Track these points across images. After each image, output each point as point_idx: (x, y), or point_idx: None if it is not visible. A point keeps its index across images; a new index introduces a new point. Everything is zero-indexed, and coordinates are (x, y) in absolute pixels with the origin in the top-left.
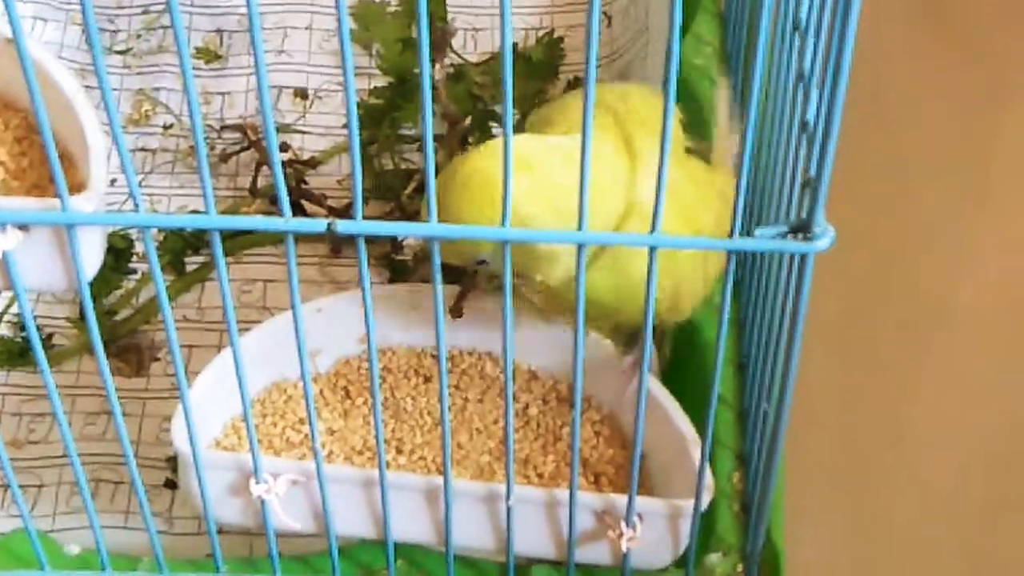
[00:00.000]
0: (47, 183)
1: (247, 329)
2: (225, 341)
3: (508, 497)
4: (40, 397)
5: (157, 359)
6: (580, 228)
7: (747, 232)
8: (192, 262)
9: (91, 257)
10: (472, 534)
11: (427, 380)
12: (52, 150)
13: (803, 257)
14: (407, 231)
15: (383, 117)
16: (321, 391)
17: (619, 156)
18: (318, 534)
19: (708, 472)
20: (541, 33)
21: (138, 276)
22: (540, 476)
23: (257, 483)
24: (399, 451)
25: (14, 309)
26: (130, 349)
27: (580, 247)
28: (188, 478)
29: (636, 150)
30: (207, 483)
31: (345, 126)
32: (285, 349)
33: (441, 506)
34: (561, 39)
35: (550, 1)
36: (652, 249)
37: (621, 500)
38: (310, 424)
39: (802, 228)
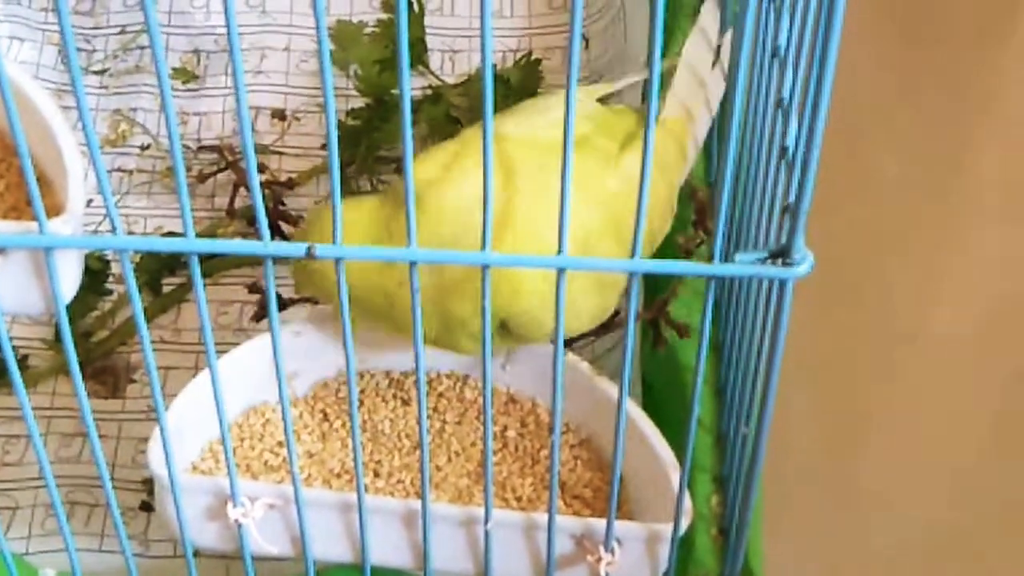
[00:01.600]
0: (24, 206)
1: (224, 351)
2: (202, 363)
3: (487, 521)
4: (14, 419)
5: (133, 381)
6: (560, 251)
7: (727, 258)
8: (168, 283)
9: (69, 280)
10: (450, 558)
11: (405, 403)
12: (30, 173)
13: (782, 283)
14: (387, 256)
15: (361, 138)
16: (300, 414)
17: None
18: (295, 558)
19: (687, 496)
20: (519, 55)
21: (114, 297)
22: (519, 499)
23: (234, 507)
24: (377, 474)
25: None
26: (106, 371)
27: (560, 271)
28: (165, 502)
29: (519, 158)
30: (184, 507)
31: (323, 147)
32: (263, 372)
33: (419, 530)
34: (539, 61)
35: (528, 23)
36: (632, 275)
37: (600, 524)
38: (288, 447)
39: (782, 254)
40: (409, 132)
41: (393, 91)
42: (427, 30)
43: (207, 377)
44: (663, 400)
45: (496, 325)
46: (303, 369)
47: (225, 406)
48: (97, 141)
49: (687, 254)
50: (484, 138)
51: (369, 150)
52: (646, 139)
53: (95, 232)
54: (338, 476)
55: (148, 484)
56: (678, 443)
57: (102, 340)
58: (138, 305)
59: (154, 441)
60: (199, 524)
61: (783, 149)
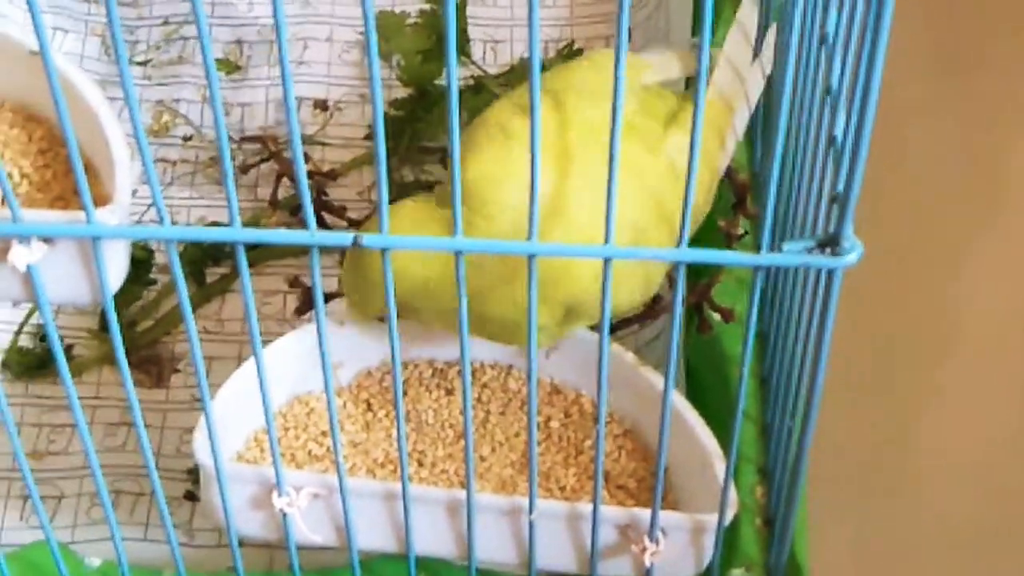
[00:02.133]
0: (71, 195)
1: (267, 341)
2: (245, 353)
3: (531, 511)
4: (60, 408)
5: (177, 371)
6: (607, 241)
7: (775, 246)
8: (212, 273)
9: (115, 270)
10: (494, 548)
11: (449, 393)
12: (77, 162)
13: (831, 272)
14: (433, 245)
15: (404, 129)
16: (344, 404)
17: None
18: (340, 548)
19: (732, 486)
20: (561, 45)
21: (158, 287)
22: (562, 489)
23: (279, 496)
24: (421, 464)
25: (34, 320)
26: (150, 360)
27: (607, 261)
28: (210, 491)
29: (568, 143)
30: (229, 496)
31: (366, 138)
32: (307, 362)
33: (463, 520)
34: (581, 51)
35: (570, 13)
36: (677, 265)
37: (644, 514)
38: (333, 437)
39: (830, 243)
40: (456, 124)
41: (436, 81)
42: (469, 20)
43: (252, 367)
44: (707, 390)
45: (561, 313)
46: (347, 359)
47: (270, 396)
48: (144, 132)
49: (728, 238)
50: (532, 130)
51: (412, 140)
52: (694, 126)
53: (139, 222)
54: (382, 466)
55: (192, 474)
56: (722, 433)
57: (146, 330)
58: (184, 295)
59: (200, 430)
60: (244, 513)
61: (831, 137)
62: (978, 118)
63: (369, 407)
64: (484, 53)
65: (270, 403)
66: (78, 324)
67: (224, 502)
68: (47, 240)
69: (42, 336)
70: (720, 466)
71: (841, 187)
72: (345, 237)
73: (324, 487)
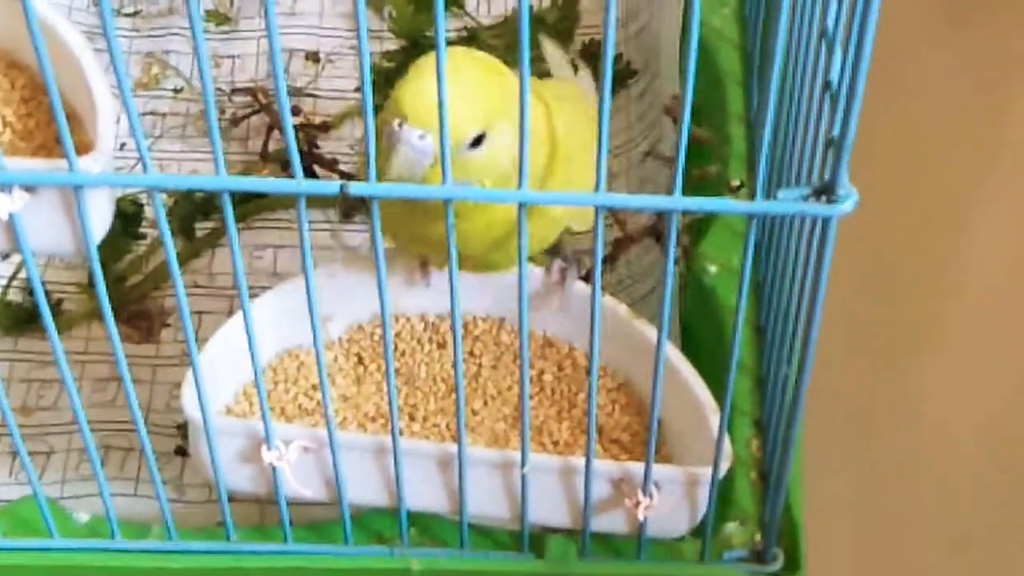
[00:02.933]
0: (54, 144)
1: (256, 295)
2: (236, 308)
3: (523, 464)
4: (49, 363)
5: (167, 325)
6: (597, 189)
7: (769, 194)
8: (202, 228)
9: (99, 220)
10: (486, 502)
11: (441, 346)
12: (59, 109)
13: (826, 220)
14: (421, 194)
15: (395, 81)
16: (335, 358)
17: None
18: (330, 502)
19: (726, 439)
20: None
21: (148, 242)
22: (556, 443)
23: (269, 450)
24: (412, 418)
25: (23, 274)
26: (139, 315)
27: (597, 210)
28: (199, 445)
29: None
30: (218, 450)
31: (357, 90)
32: (297, 315)
33: (455, 474)
34: (576, 1)
35: None
36: (671, 213)
37: (638, 468)
38: (322, 390)
39: (825, 190)
40: (444, 71)
41: (427, 33)
42: None
43: (240, 320)
44: (702, 342)
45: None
46: (338, 312)
47: (259, 349)
48: (129, 83)
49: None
50: (522, 83)
51: None
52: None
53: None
54: (373, 420)
55: (182, 429)
56: (718, 386)
57: (136, 284)
58: (170, 246)
59: (187, 384)
60: (233, 467)
61: (827, 82)
62: (982, 64)
63: (360, 361)
64: (478, 4)
65: (258, 356)
66: (67, 279)
67: (212, 456)
68: (29, 189)
69: (31, 290)
70: (715, 419)
71: (837, 132)
72: (332, 186)
73: (314, 441)
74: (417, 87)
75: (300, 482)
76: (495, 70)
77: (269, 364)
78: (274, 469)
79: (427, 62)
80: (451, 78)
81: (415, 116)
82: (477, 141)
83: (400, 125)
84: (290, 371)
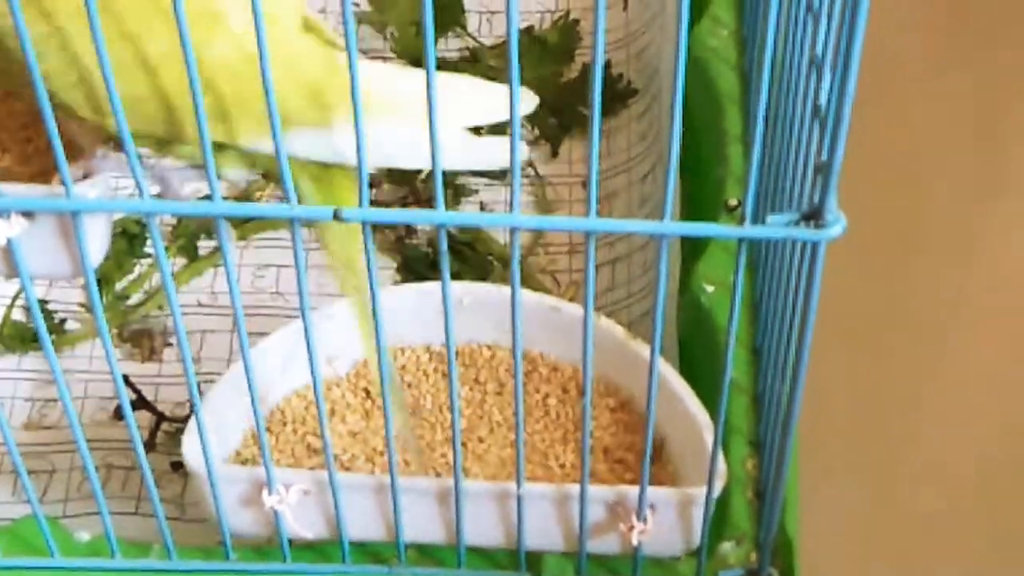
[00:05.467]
0: (53, 170)
1: (258, 314)
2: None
3: (519, 486)
4: (51, 382)
5: (170, 344)
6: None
7: (759, 219)
8: (205, 246)
9: (96, 244)
10: (485, 533)
11: (445, 377)
12: (55, 135)
13: (815, 244)
14: (414, 219)
15: None
16: (342, 394)
17: None
18: (331, 540)
19: (721, 458)
20: (557, 16)
21: (151, 260)
22: (562, 467)
23: (270, 494)
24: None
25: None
26: (142, 334)
27: (588, 235)
28: (200, 492)
29: None
30: (223, 501)
31: None
32: (303, 354)
33: (453, 506)
34: (577, 21)
35: None
36: (661, 238)
37: (632, 492)
38: (322, 434)
39: (814, 215)
40: (435, 93)
41: None
42: None
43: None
44: (699, 362)
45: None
46: (341, 351)
47: (266, 391)
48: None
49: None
50: (511, 105)
51: None
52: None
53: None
54: (381, 454)
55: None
56: (715, 405)
57: (138, 303)
58: (167, 271)
59: (189, 433)
60: (234, 511)
61: (816, 107)
62: (980, 86)
63: (368, 395)
64: (480, 25)
65: (258, 401)
66: (71, 297)
67: (217, 506)
68: (27, 214)
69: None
70: (710, 438)
71: (825, 157)
72: (326, 211)
73: (315, 484)
74: None
75: (301, 524)
76: None
77: (277, 406)
78: (276, 512)
79: None
80: None
81: None
82: None
83: None
84: (298, 411)
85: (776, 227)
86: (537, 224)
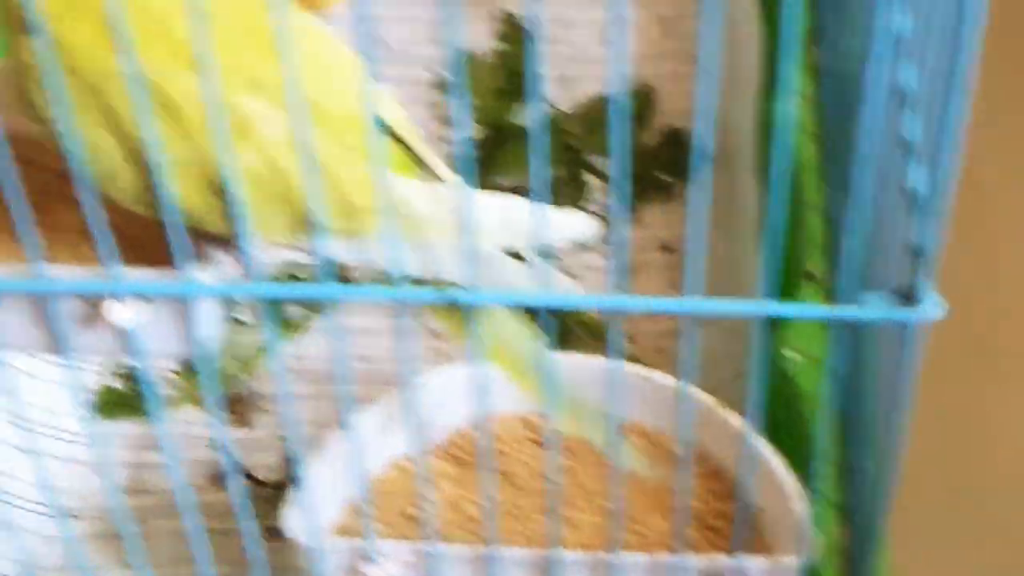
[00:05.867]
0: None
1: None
2: (322, 391)
3: (614, 553)
4: (147, 448)
5: (264, 410)
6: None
7: (851, 299)
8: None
9: (211, 325)
10: None
11: (539, 445)
12: (173, 220)
13: (910, 327)
14: (524, 301)
15: (480, 169)
16: (439, 464)
17: None
18: None
19: (810, 527)
20: (633, 83)
21: (235, 325)
22: (653, 533)
23: (369, 565)
24: (515, 518)
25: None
26: (232, 399)
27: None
28: (301, 562)
29: None
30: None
31: None
32: (400, 424)
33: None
34: (652, 88)
35: (643, 49)
36: (755, 320)
37: (727, 560)
38: (424, 507)
39: (908, 297)
40: (541, 159)
41: (511, 119)
42: (540, 57)
43: (342, 438)
44: (782, 427)
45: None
46: (436, 421)
47: (365, 463)
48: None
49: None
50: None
51: (487, 179)
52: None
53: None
54: (478, 522)
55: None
56: (797, 472)
57: (227, 370)
58: (278, 353)
59: (290, 503)
60: None
61: (908, 189)
62: None
63: (463, 464)
64: (556, 91)
65: (361, 472)
66: (160, 363)
67: None
68: (144, 298)
69: (128, 375)
70: (800, 507)
71: (921, 239)
72: (441, 295)
73: (413, 555)
74: None
75: None
76: None
77: (378, 477)
78: None
79: None
80: None
81: None
82: None
83: None
84: (397, 482)
85: (868, 309)
86: (633, 306)
